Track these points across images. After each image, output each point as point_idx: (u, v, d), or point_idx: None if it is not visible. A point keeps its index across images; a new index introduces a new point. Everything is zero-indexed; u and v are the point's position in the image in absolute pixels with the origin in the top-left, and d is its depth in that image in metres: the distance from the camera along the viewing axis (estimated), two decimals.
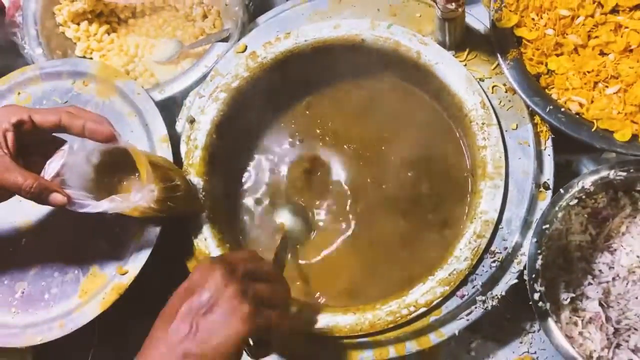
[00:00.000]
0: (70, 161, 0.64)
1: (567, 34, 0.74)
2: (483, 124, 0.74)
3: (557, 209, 0.69)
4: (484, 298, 0.69)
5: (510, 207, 0.71)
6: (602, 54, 0.73)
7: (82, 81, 0.83)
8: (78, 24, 0.95)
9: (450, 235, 0.76)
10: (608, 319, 0.69)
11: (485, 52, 0.77)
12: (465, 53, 0.78)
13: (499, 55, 0.75)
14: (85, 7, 0.94)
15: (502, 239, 0.70)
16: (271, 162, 0.85)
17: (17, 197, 0.66)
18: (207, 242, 0.76)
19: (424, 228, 0.78)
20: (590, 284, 0.70)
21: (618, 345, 0.68)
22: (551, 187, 0.72)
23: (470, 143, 0.76)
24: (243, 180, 0.85)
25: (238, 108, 0.83)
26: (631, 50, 0.72)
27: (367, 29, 0.80)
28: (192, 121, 0.81)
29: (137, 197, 0.65)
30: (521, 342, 0.75)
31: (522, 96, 0.73)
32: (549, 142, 0.74)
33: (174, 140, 0.80)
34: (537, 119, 0.74)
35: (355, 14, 0.82)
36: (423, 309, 0.69)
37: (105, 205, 0.64)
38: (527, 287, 0.67)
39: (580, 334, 0.68)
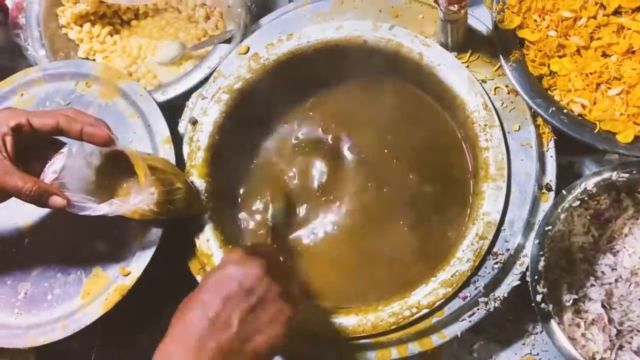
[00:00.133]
0: (70, 164, 0.65)
1: (569, 36, 0.74)
2: (485, 125, 0.74)
3: (559, 210, 0.69)
4: (486, 299, 0.69)
5: (512, 209, 0.71)
6: (604, 55, 0.73)
7: (85, 82, 0.84)
8: (81, 25, 0.96)
9: (453, 237, 0.76)
10: (611, 320, 0.69)
11: (488, 54, 0.77)
12: (468, 54, 0.78)
13: (501, 57, 0.75)
14: (88, 8, 0.94)
15: (505, 241, 0.70)
16: (274, 163, 0.85)
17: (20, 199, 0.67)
18: (209, 244, 0.76)
19: (426, 230, 0.78)
20: (592, 285, 0.70)
21: (621, 347, 0.68)
22: (553, 188, 0.72)
23: (472, 144, 0.76)
24: (245, 181, 0.85)
25: (240, 109, 0.83)
26: (634, 52, 0.72)
27: (369, 30, 0.80)
28: (194, 122, 0.81)
29: (137, 200, 0.65)
30: (524, 344, 0.75)
31: (525, 98, 0.73)
32: (552, 144, 0.74)
33: (177, 141, 0.81)
34: (539, 120, 0.74)
35: (358, 15, 0.82)
36: (425, 311, 0.69)
37: (105, 209, 0.64)
38: (530, 288, 0.67)
39: (583, 335, 0.68)
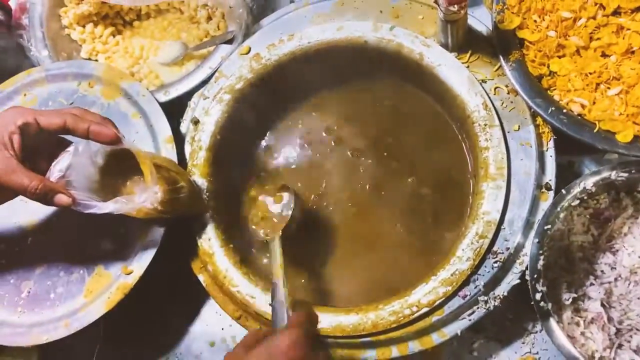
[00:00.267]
0: (76, 162, 0.65)
1: (569, 36, 0.74)
2: (485, 125, 0.74)
3: (558, 209, 0.69)
4: (486, 298, 0.69)
5: (512, 208, 0.72)
6: (604, 55, 0.73)
7: (88, 83, 0.84)
8: (83, 26, 0.96)
9: (452, 237, 0.76)
10: (610, 319, 0.69)
11: (488, 54, 0.77)
12: (468, 55, 0.78)
13: (501, 57, 0.75)
14: (91, 9, 0.95)
15: (504, 240, 0.71)
16: (276, 163, 0.86)
17: (22, 197, 0.67)
18: (211, 242, 0.76)
19: (423, 232, 0.79)
20: (592, 284, 0.71)
21: (620, 346, 0.69)
22: (553, 188, 0.72)
23: (472, 144, 0.77)
24: (247, 180, 0.85)
25: (242, 109, 0.83)
26: (633, 52, 0.72)
27: (369, 30, 0.80)
28: (196, 122, 0.82)
29: (142, 198, 0.66)
30: (523, 343, 0.75)
31: (524, 97, 0.73)
32: (551, 143, 0.74)
33: (179, 141, 0.81)
34: (539, 120, 0.74)
35: (358, 16, 0.83)
36: (425, 309, 0.69)
37: (110, 207, 0.65)
38: (529, 287, 0.67)
39: (582, 334, 0.68)
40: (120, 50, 0.95)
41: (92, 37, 0.96)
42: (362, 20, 0.82)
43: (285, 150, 0.86)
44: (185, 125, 0.83)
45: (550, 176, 0.73)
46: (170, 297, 0.83)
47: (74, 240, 0.78)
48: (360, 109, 0.86)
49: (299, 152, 0.86)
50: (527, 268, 0.69)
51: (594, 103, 0.72)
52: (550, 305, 0.67)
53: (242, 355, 0.56)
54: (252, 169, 0.86)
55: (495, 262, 0.70)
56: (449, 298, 0.69)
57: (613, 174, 0.69)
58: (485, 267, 0.70)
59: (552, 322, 0.66)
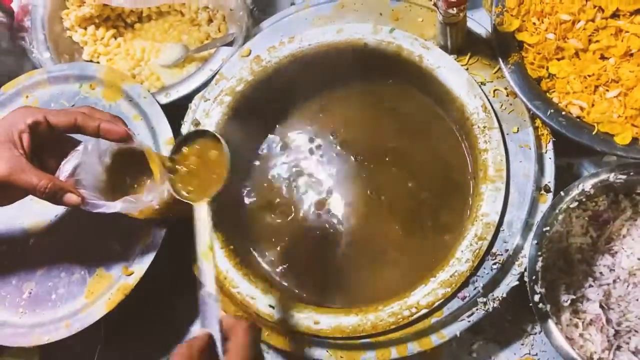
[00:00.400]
0: (85, 161, 0.65)
1: (568, 38, 0.74)
2: (484, 127, 0.74)
3: (557, 211, 0.69)
4: (485, 300, 0.70)
5: (511, 210, 0.72)
6: (602, 58, 0.73)
7: (89, 85, 0.85)
8: (85, 28, 0.97)
9: (451, 240, 0.76)
10: (609, 321, 0.69)
11: (487, 56, 0.78)
12: (467, 57, 0.78)
13: (500, 59, 0.75)
14: (92, 11, 0.95)
15: (503, 241, 0.71)
16: (277, 166, 0.86)
17: (24, 200, 0.68)
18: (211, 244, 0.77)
19: (423, 236, 0.79)
20: (591, 286, 0.71)
21: (619, 347, 0.69)
22: (552, 189, 0.73)
23: (471, 146, 0.77)
24: (247, 182, 0.86)
25: (242, 111, 0.84)
26: (631, 55, 0.72)
27: (369, 33, 0.81)
28: (197, 124, 0.82)
29: (149, 197, 0.66)
30: (522, 344, 0.75)
31: (523, 100, 0.74)
32: (550, 145, 0.74)
33: None
34: (538, 122, 0.75)
35: (358, 18, 0.83)
36: (425, 311, 0.69)
37: (119, 206, 0.65)
38: (528, 289, 0.68)
39: (581, 335, 0.68)
40: (121, 53, 0.96)
41: (94, 39, 0.97)
42: (362, 22, 0.82)
43: (286, 152, 0.86)
44: (186, 127, 0.84)
45: (549, 178, 0.73)
46: (170, 298, 0.84)
47: (75, 242, 0.78)
48: (363, 112, 0.86)
49: (300, 155, 0.86)
50: (525, 270, 0.69)
51: (593, 105, 0.72)
52: (548, 307, 0.67)
53: None
54: (253, 171, 0.86)
55: (494, 263, 0.70)
56: (448, 299, 0.69)
57: (611, 176, 0.69)
58: (484, 268, 0.70)
59: (551, 323, 0.67)
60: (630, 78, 0.71)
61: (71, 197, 0.64)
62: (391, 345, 0.71)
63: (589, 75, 0.73)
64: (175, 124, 0.83)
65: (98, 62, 0.96)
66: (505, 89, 0.76)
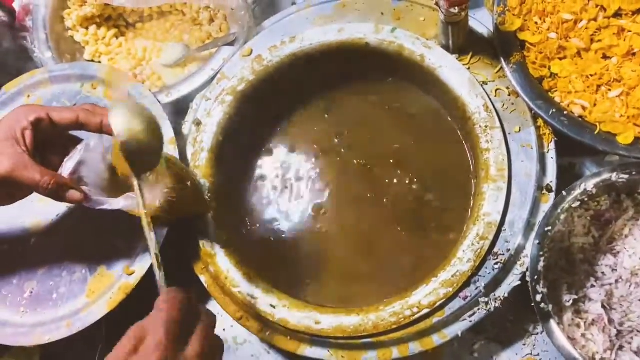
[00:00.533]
0: (87, 158, 0.65)
1: (570, 38, 0.74)
2: (486, 126, 0.74)
3: (559, 211, 0.69)
4: (486, 300, 0.69)
5: (513, 210, 0.72)
6: (605, 57, 0.73)
7: (91, 84, 0.85)
8: (87, 28, 0.97)
9: (453, 240, 0.76)
10: (611, 321, 0.69)
11: (489, 56, 0.78)
12: (469, 56, 0.78)
13: (502, 59, 0.75)
14: (94, 11, 0.95)
15: (505, 241, 0.71)
16: (279, 166, 0.86)
17: (26, 199, 0.68)
18: (212, 244, 0.77)
19: (426, 236, 0.79)
20: (593, 286, 0.71)
21: (621, 347, 0.68)
22: (554, 189, 0.72)
23: (473, 146, 0.77)
24: (249, 181, 0.86)
25: (244, 111, 0.84)
26: (634, 54, 0.72)
27: (371, 32, 0.81)
28: (198, 123, 0.82)
29: (152, 194, 0.65)
30: (524, 344, 0.75)
31: (525, 99, 0.73)
32: (552, 145, 0.74)
33: (181, 142, 0.81)
34: (540, 122, 0.74)
35: (360, 18, 0.83)
36: (426, 310, 0.69)
37: (121, 203, 0.64)
38: (530, 288, 0.68)
39: (583, 335, 0.68)
40: (123, 52, 0.96)
41: (95, 39, 0.97)
42: (363, 22, 0.82)
43: (287, 153, 0.86)
44: (187, 127, 0.84)
45: (551, 178, 0.73)
46: None
47: (76, 241, 0.78)
48: (365, 113, 0.86)
49: (303, 156, 0.86)
50: (527, 269, 0.69)
51: (595, 105, 0.72)
52: (550, 307, 0.67)
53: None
54: (255, 170, 0.86)
55: (496, 263, 0.70)
56: (449, 299, 0.69)
57: (614, 176, 0.69)
58: (486, 268, 0.70)
59: (553, 323, 0.67)
60: (633, 77, 0.71)
61: (74, 194, 0.64)
62: (393, 345, 0.71)
63: (591, 75, 0.73)
64: (177, 124, 0.83)
65: (100, 62, 0.96)
66: (507, 88, 0.76)
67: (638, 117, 0.70)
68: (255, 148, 0.87)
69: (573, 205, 0.70)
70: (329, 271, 0.79)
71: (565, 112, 0.72)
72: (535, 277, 0.68)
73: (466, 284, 0.69)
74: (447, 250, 0.73)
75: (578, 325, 0.69)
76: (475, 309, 0.70)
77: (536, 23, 0.76)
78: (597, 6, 0.74)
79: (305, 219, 0.82)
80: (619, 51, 0.72)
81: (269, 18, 0.88)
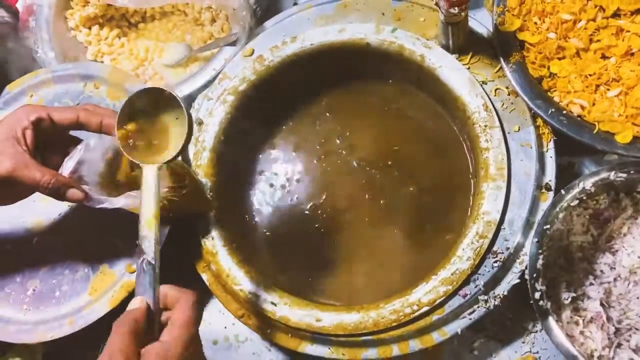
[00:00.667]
0: (88, 157, 0.66)
1: (569, 38, 0.75)
2: (486, 126, 0.75)
3: (558, 209, 0.70)
4: (486, 297, 0.70)
5: (512, 208, 0.72)
6: (603, 57, 0.74)
7: (93, 84, 0.85)
8: (89, 28, 0.97)
9: (452, 239, 0.77)
10: (609, 318, 0.69)
11: (488, 56, 0.78)
12: (469, 56, 0.79)
13: (501, 59, 0.76)
14: (97, 11, 0.96)
15: (504, 240, 0.71)
16: (279, 164, 0.87)
17: (28, 198, 0.68)
18: (214, 242, 0.77)
19: (424, 237, 0.79)
20: (591, 284, 0.71)
21: (619, 345, 0.69)
22: (553, 188, 0.73)
23: (473, 145, 0.77)
24: (250, 181, 0.86)
25: (245, 111, 0.84)
26: (632, 54, 0.72)
27: (372, 32, 0.81)
28: (200, 123, 0.83)
29: None
30: (523, 342, 0.76)
31: (525, 99, 0.74)
32: (551, 144, 0.74)
33: None
34: (539, 121, 0.75)
35: (360, 18, 0.83)
36: (426, 308, 0.70)
37: (122, 202, 0.65)
38: (528, 286, 0.68)
39: (582, 333, 0.69)
40: (125, 52, 0.96)
41: (98, 39, 0.97)
42: (364, 22, 0.83)
43: (288, 152, 0.87)
44: None
45: (550, 177, 0.74)
46: None
47: (78, 240, 0.78)
48: (366, 113, 0.86)
49: (303, 157, 0.86)
50: (526, 268, 0.69)
51: (594, 104, 0.72)
52: (549, 305, 0.67)
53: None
54: (255, 169, 0.87)
55: (495, 261, 0.71)
56: (449, 297, 0.70)
57: (612, 175, 0.70)
58: (486, 266, 0.71)
59: (551, 321, 0.67)
60: (631, 77, 0.71)
61: (74, 193, 0.64)
62: (393, 342, 0.71)
63: (590, 75, 0.73)
64: None
65: (102, 62, 0.96)
66: (507, 88, 0.77)
67: (636, 117, 0.70)
68: (257, 147, 0.88)
69: (572, 204, 0.70)
70: (329, 270, 0.80)
71: (564, 112, 0.72)
72: (534, 275, 0.68)
73: (466, 282, 0.70)
74: (447, 250, 0.74)
75: (577, 323, 0.69)
76: (475, 306, 0.70)
77: (535, 23, 0.76)
78: (596, 6, 0.74)
79: (305, 218, 0.83)
80: (618, 51, 0.73)
81: (270, 18, 0.88)
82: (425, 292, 0.70)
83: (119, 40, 0.97)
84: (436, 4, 0.71)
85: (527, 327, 0.76)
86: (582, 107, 0.72)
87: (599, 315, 0.69)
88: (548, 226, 0.69)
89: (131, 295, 0.73)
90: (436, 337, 0.70)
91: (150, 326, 0.54)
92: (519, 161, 0.74)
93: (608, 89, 0.72)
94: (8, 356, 0.79)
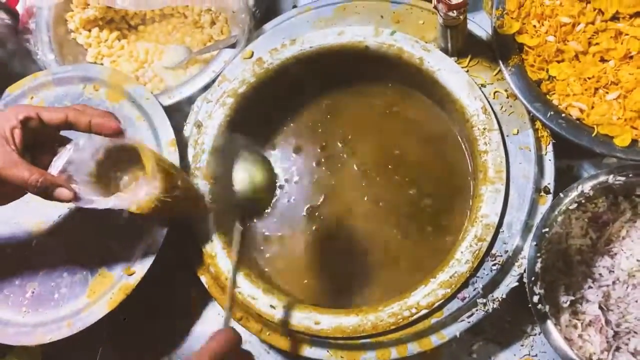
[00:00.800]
0: (77, 158, 0.65)
1: (568, 41, 0.75)
2: (484, 129, 0.75)
3: (556, 212, 0.70)
4: (484, 300, 0.70)
5: (511, 211, 0.72)
6: (602, 60, 0.74)
7: (93, 86, 0.85)
8: (89, 30, 0.97)
9: (451, 241, 0.77)
10: (608, 322, 0.69)
11: (487, 59, 0.78)
12: (468, 59, 0.79)
13: (500, 62, 0.76)
14: (97, 14, 0.96)
15: (503, 243, 0.71)
16: (279, 167, 0.86)
17: (27, 200, 0.68)
18: (213, 244, 0.77)
19: (423, 239, 0.79)
20: (590, 287, 0.71)
21: (618, 348, 0.69)
22: (552, 191, 0.73)
23: (472, 148, 0.77)
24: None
25: (244, 113, 0.84)
26: (631, 57, 0.72)
27: (371, 35, 0.81)
28: (199, 125, 0.83)
29: (142, 192, 0.65)
30: (522, 345, 0.76)
31: (523, 102, 0.74)
32: (550, 147, 0.74)
33: (182, 144, 0.82)
34: (538, 124, 0.75)
35: (360, 21, 0.84)
36: (424, 311, 0.70)
37: (111, 202, 0.64)
38: (527, 289, 0.68)
39: (580, 336, 0.69)
40: (125, 54, 0.97)
41: (98, 41, 0.97)
42: (363, 25, 0.83)
43: (287, 155, 0.87)
44: (188, 129, 0.84)
45: (549, 180, 0.74)
46: (172, 298, 0.84)
47: (77, 242, 0.78)
48: (365, 116, 0.87)
49: (301, 158, 0.86)
50: (525, 271, 0.69)
51: (593, 107, 0.72)
52: (547, 308, 0.67)
53: None
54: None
55: (494, 264, 0.70)
56: (448, 300, 0.70)
57: (611, 178, 0.70)
58: (484, 269, 0.70)
59: (550, 324, 0.67)
60: (630, 80, 0.71)
61: (63, 192, 0.64)
62: (391, 345, 0.71)
63: (589, 78, 0.73)
64: (178, 125, 0.84)
65: (102, 64, 0.97)
66: (506, 91, 0.77)
67: (635, 120, 0.70)
68: (257, 151, 0.87)
69: (570, 207, 0.70)
70: (328, 273, 0.80)
71: (563, 115, 0.72)
72: (533, 279, 0.68)
73: (464, 285, 0.70)
74: (445, 253, 0.74)
75: (575, 326, 0.69)
76: (474, 309, 0.70)
77: (534, 26, 0.76)
78: (594, 10, 0.74)
79: (305, 220, 0.83)
80: (617, 54, 0.73)
81: (269, 21, 0.88)
82: (423, 295, 0.70)
83: (118, 42, 0.98)
84: (435, 7, 0.71)
85: (525, 330, 0.76)
86: (581, 110, 0.72)
87: (598, 318, 0.69)
88: (547, 229, 0.69)
89: (129, 297, 0.74)
90: (435, 340, 0.70)
91: None
92: (518, 164, 0.74)
93: (607, 92, 0.72)
94: (7, 358, 0.79)
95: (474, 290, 0.70)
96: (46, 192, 0.64)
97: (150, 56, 0.97)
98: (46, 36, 0.94)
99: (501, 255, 0.71)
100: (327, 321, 0.72)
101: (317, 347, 0.73)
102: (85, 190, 0.65)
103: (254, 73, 0.83)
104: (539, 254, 0.69)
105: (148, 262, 0.75)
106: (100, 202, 0.65)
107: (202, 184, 0.80)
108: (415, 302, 0.70)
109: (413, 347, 0.71)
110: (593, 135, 0.71)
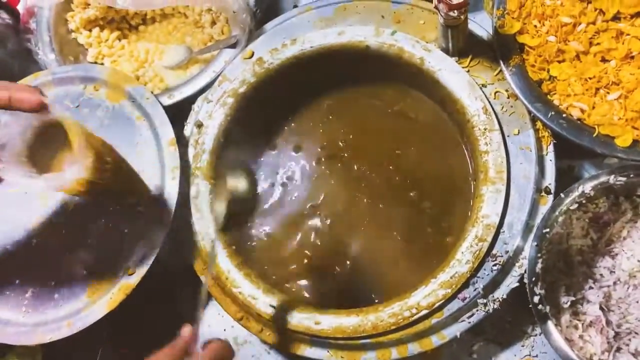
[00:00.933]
0: (2, 137, 0.61)
1: (569, 41, 0.75)
2: (485, 129, 0.75)
3: (557, 213, 0.69)
4: (485, 301, 0.70)
5: (511, 212, 0.72)
6: (603, 60, 0.74)
7: (93, 86, 0.85)
8: (90, 30, 0.97)
9: (452, 242, 0.77)
10: (609, 322, 0.69)
11: (488, 59, 0.78)
12: (468, 59, 0.79)
13: (501, 62, 0.76)
14: (97, 14, 0.96)
15: (504, 243, 0.71)
16: (278, 167, 0.87)
17: (27, 200, 0.68)
18: (213, 244, 0.77)
19: (424, 240, 0.79)
20: (591, 287, 0.71)
21: (618, 349, 0.69)
22: (552, 191, 0.73)
23: (472, 148, 0.77)
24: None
25: (245, 113, 0.84)
26: (632, 57, 0.72)
27: (371, 35, 0.81)
28: (200, 125, 0.83)
29: (69, 173, 0.62)
30: (523, 345, 0.76)
31: (524, 102, 0.74)
32: (551, 148, 0.74)
33: (183, 144, 0.82)
34: (538, 124, 0.75)
35: (360, 20, 0.83)
36: (425, 311, 0.69)
37: (39, 183, 0.61)
38: (527, 290, 0.68)
39: (581, 337, 0.69)
40: (125, 54, 0.97)
41: (98, 41, 0.97)
42: (363, 25, 0.83)
43: (288, 155, 0.87)
44: (189, 129, 0.84)
45: (549, 180, 0.73)
46: (172, 297, 0.84)
47: (77, 242, 0.78)
48: (366, 116, 0.86)
49: (301, 158, 0.86)
50: (526, 271, 0.69)
51: (594, 108, 0.72)
52: (548, 308, 0.67)
53: None
54: (254, 173, 0.87)
55: (495, 265, 0.70)
56: (448, 300, 0.70)
57: (612, 178, 0.70)
58: (485, 270, 0.70)
59: (550, 325, 0.67)
60: (631, 80, 0.71)
61: None
62: (392, 345, 0.71)
63: (590, 78, 0.73)
64: (178, 125, 0.84)
65: (102, 64, 0.96)
66: (506, 91, 0.77)
67: (636, 120, 0.70)
68: (256, 150, 0.88)
69: (571, 208, 0.70)
70: (327, 272, 0.80)
71: (564, 115, 0.72)
72: (533, 279, 0.68)
73: (465, 285, 0.70)
74: (446, 252, 0.74)
75: (576, 327, 0.69)
76: (474, 310, 0.70)
77: (535, 26, 0.76)
78: (595, 10, 0.74)
79: (305, 221, 0.83)
80: (618, 54, 0.72)
81: (270, 20, 0.88)
82: (424, 296, 0.70)
83: (119, 42, 0.98)
84: (436, 7, 0.71)
85: (526, 330, 0.76)
86: (582, 111, 0.72)
87: (599, 319, 0.69)
88: (547, 230, 0.69)
89: (129, 297, 0.74)
90: (435, 340, 0.70)
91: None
92: (519, 164, 0.74)
93: (608, 92, 0.72)
94: (7, 358, 0.79)
95: (475, 290, 0.70)
96: None
97: (150, 56, 0.97)
98: (47, 36, 0.94)
99: (502, 256, 0.71)
100: (328, 321, 0.72)
101: (317, 347, 0.73)
102: (14, 170, 0.61)
103: (254, 73, 0.83)
104: (539, 255, 0.68)
105: (148, 262, 0.75)
106: (27, 183, 0.61)
107: (204, 185, 0.80)
108: (416, 302, 0.70)
109: (413, 348, 0.71)
110: (594, 135, 0.70)
